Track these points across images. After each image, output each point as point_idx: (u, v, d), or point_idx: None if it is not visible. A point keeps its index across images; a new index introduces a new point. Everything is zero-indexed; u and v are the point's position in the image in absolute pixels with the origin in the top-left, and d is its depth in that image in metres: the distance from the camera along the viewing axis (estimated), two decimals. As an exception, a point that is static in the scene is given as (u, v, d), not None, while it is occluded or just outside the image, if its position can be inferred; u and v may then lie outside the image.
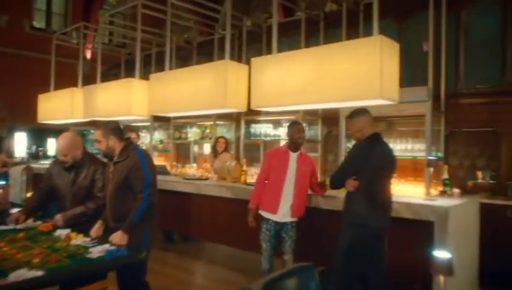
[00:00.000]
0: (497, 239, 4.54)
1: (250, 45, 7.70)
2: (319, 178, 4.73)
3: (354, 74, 3.91)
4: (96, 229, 3.23)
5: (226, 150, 6.35)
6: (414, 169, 5.87)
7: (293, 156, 4.12)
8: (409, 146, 5.51)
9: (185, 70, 5.61)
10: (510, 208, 4.67)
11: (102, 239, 3.00)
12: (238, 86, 5.12)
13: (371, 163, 3.45)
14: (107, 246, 2.78)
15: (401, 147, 5.57)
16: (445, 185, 4.20)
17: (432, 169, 4.14)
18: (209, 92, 5.16)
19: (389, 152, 3.69)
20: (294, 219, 4.10)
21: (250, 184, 5.10)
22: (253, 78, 4.75)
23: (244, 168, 5.38)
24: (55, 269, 2.39)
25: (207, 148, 8.54)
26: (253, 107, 4.82)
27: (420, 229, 3.68)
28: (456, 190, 4.15)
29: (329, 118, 6.74)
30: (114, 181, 3.27)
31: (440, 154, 5.42)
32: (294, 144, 4.15)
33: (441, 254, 2.78)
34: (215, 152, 6.39)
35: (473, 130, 5.51)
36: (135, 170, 3.19)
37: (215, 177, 5.90)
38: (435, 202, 3.72)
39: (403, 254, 3.74)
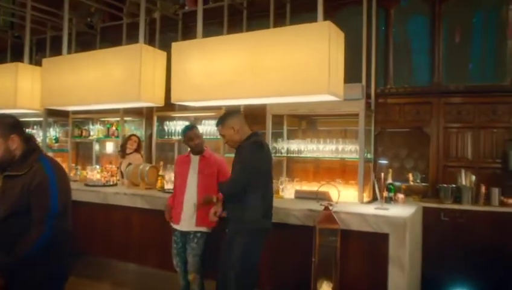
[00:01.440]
0: (433, 243, 4.28)
1: (163, 34, 6.78)
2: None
3: (298, 64, 3.30)
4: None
5: (137, 150, 5.41)
6: (343, 171, 5.50)
7: (194, 159, 3.63)
8: (340, 147, 5.07)
9: (88, 55, 4.59)
10: (443, 211, 4.44)
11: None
12: (154, 76, 4.25)
13: (264, 165, 3.11)
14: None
15: (330, 148, 5.12)
16: (389, 190, 3.80)
17: (382, 174, 3.72)
18: (118, 82, 4.22)
19: (270, 151, 3.43)
20: (198, 229, 3.47)
21: (168, 191, 4.27)
22: (175, 67, 3.94)
23: (161, 172, 4.52)
24: None
25: (110, 147, 7.45)
26: (174, 100, 4.00)
27: (371, 242, 3.20)
28: (401, 195, 3.77)
29: (252, 116, 6.12)
30: (5, 203, 2.20)
31: (370, 156, 5.08)
32: (191, 149, 3.69)
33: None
34: (123, 152, 5.41)
35: (401, 130, 5.28)
36: (39, 192, 2.18)
37: (125, 183, 4.94)
38: (388, 212, 3.26)
39: (352, 269, 3.23)
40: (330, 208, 3.12)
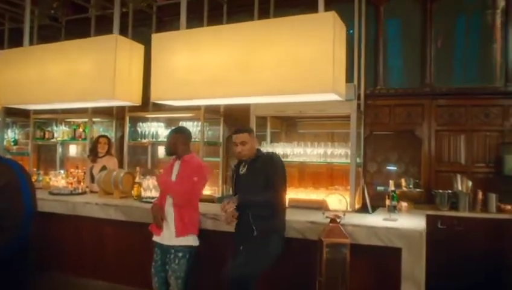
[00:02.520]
0: (431, 253, 3.98)
1: (135, 29, 6.22)
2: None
3: (298, 59, 2.93)
4: None
5: (109, 152, 4.87)
6: (330, 176, 5.18)
7: (177, 164, 3.24)
8: (328, 151, 4.73)
9: (53, 47, 4.02)
10: (440, 219, 4.17)
11: None
12: (130, 71, 3.78)
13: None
14: None
15: (318, 152, 4.78)
16: (392, 198, 3.47)
17: (391, 181, 3.38)
18: (89, 77, 3.72)
19: None
20: (179, 243, 3.03)
21: (147, 201, 3.78)
22: (155, 61, 3.48)
23: (137, 179, 4.01)
24: None
25: (74, 150, 6.85)
26: (154, 99, 3.54)
27: (381, 258, 2.85)
28: (404, 204, 3.45)
29: (232, 117, 5.71)
30: None
31: (359, 160, 4.78)
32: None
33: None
34: (95, 155, 4.85)
35: (391, 133, 4.99)
36: (10, 195, 1.91)
37: (94, 187, 4.41)
38: (398, 223, 2.93)
39: (361, 288, 2.87)
40: (338, 220, 2.75)
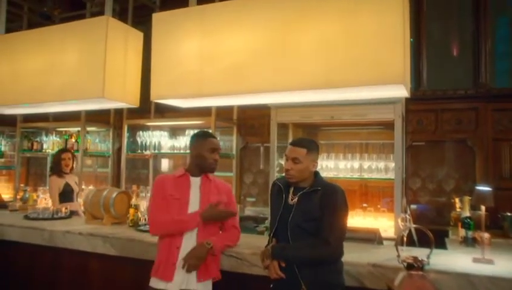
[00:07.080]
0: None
1: (134, 27, 5.36)
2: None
3: (356, 38, 2.06)
4: None
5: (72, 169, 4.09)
6: (364, 194, 4.28)
7: (195, 181, 2.27)
8: (365, 164, 3.85)
9: (29, 36, 3.16)
10: (513, 250, 3.25)
11: None
12: (125, 64, 2.91)
13: None
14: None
15: (353, 165, 3.90)
16: (467, 226, 2.56)
17: (483, 207, 2.47)
18: (72, 71, 2.86)
19: None
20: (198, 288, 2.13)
21: (145, 230, 2.86)
22: (157, 48, 2.61)
23: (134, 200, 3.09)
24: None
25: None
26: (154, 98, 2.66)
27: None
28: (486, 235, 2.52)
29: (247, 125, 4.85)
30: None
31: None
32: (202, 165, 2.27)
33: None
34: (61, 171, 4.02)
35: (437, 143, 4.10)
36: None
37: (59, 207, 3.57)
38: (499, 268, 2.01)
39: None
40: (420, 265, 1.84)
